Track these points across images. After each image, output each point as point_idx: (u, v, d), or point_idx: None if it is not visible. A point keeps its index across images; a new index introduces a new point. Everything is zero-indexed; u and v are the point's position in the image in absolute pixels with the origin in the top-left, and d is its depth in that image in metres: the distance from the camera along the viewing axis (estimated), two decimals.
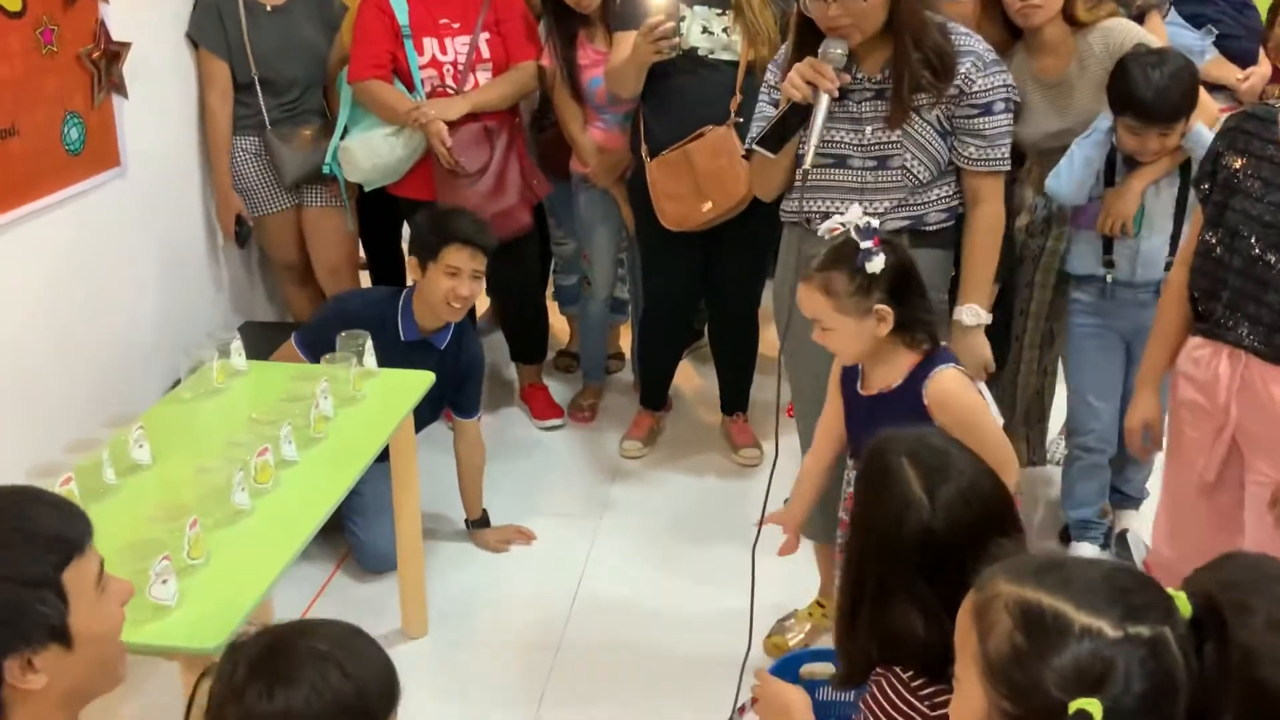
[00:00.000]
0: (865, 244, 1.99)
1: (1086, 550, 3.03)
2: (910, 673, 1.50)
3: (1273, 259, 2.02)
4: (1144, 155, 2.73)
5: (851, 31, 2.30)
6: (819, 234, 2.11)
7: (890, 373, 2.10)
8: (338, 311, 3.08)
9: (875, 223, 2.04)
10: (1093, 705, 0.99)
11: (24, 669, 1.22)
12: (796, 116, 2.35)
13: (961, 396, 2.05)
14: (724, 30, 3.20)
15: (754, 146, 2.43)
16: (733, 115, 3.19)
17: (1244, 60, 4.35)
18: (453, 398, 3.12)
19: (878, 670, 1.53)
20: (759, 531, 2.29)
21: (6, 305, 2.63)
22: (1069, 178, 2.78)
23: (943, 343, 2.17)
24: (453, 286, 2.92)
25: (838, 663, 1.65)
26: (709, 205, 3.23)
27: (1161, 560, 2.41)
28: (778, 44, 3.14)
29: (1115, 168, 2.79)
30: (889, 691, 1.51)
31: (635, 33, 3.14)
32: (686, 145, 3.23)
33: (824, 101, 2.30)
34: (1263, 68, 4.15)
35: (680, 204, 3.27)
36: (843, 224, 2.03)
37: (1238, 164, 2.08)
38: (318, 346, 2.87)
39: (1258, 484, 2.14)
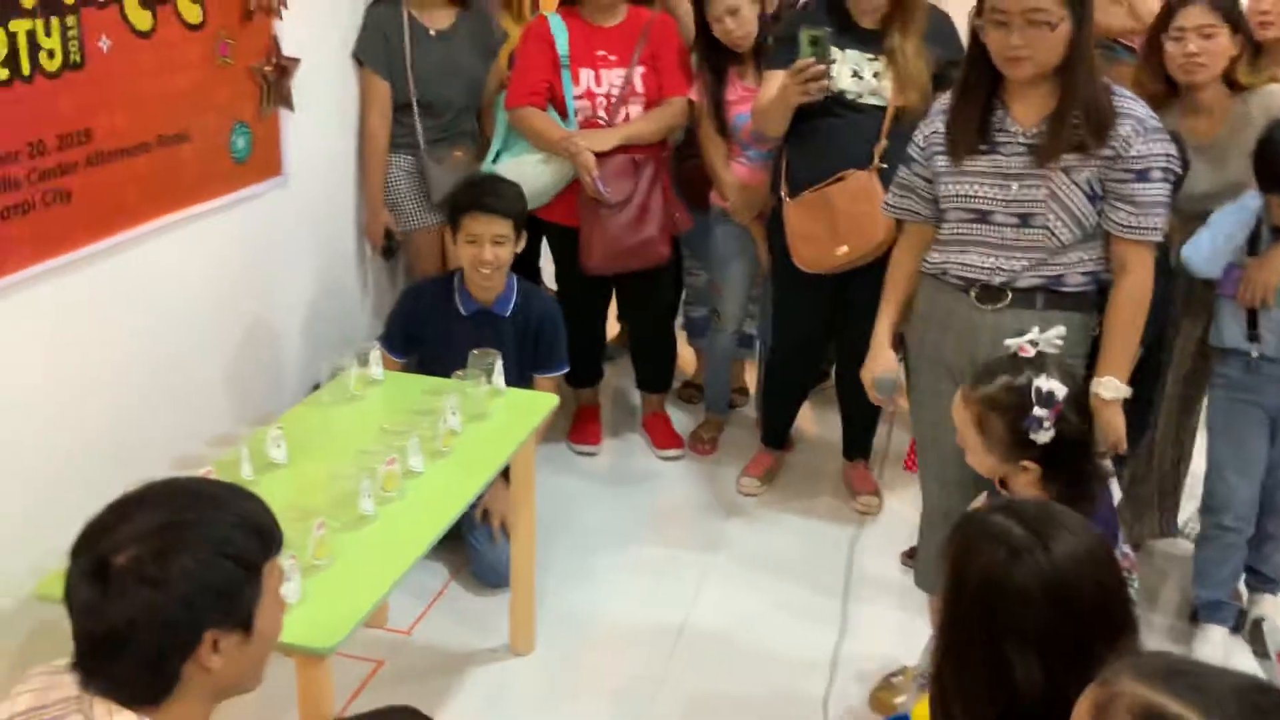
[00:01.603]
0: (1039, 412, 1.92)
1: (1215, 633, 2.90)
2: None
3: None
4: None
5: (1025, 65, 2.27)
6: (1007, 345, 2.05)
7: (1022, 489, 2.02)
8: (404, 301, 3.25)
9: (1062, 392, 1.94)
10: None
11: (212, 648, 1.30)
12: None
13: None
14: (874, 75, 3.19)
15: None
16: (876, 160, 3.18)
17: None
18: (533, 356, 3.17)
19: None
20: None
21: (167, 300, 2.77)
22: (1208, 249, 2.70)
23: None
24: (475, 254, 3.01)
25: None
26: (845, 249, 3.21)
27: None
28: (928, 91, 3.11)
29: (1260, 236, 2.69)
30: None
31: (784, 72, 3.16)
32: (827, 188, 3.22)
33: None
34: None
35: (816, 246, 3.27)
36: (1034, 343, 1.95)
37: None
38: (399, 342, 3.04)
39: None
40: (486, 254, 3.04)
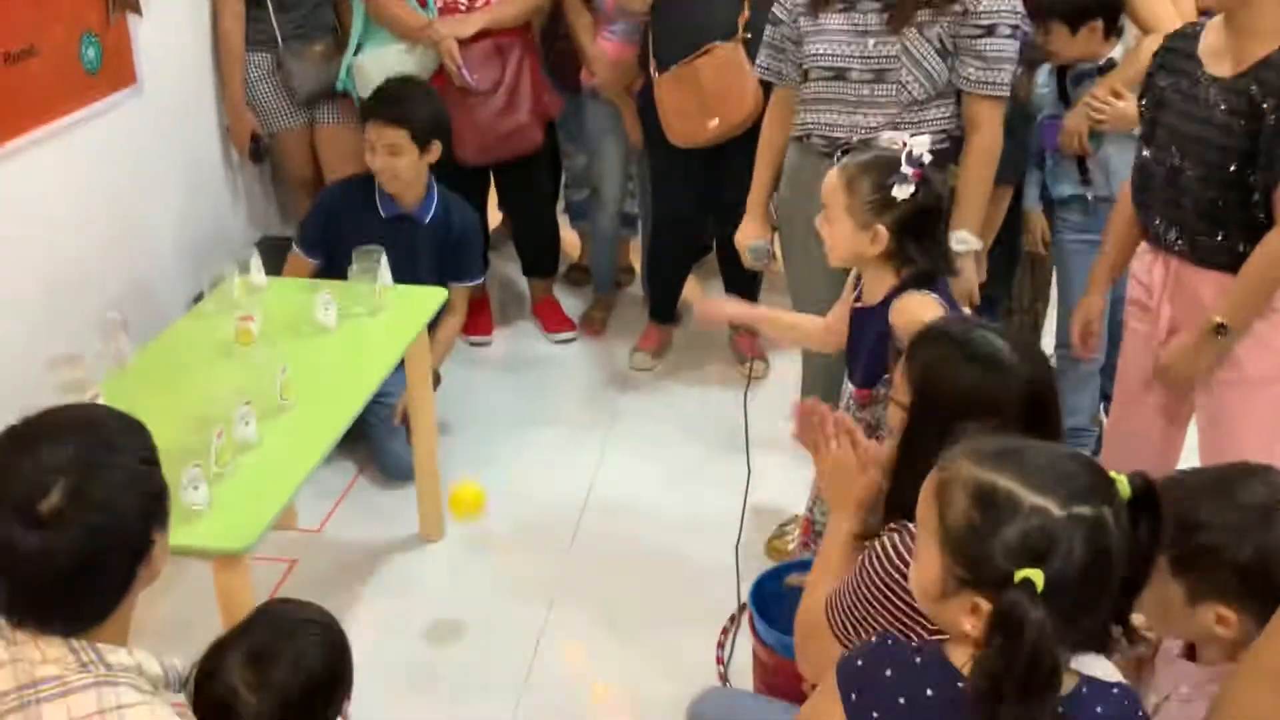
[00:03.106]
0: (906, 169, 2.02)
1: None
2: None
3: (1187, 168, 2.11)
4: (1059, 58, 2.81)
5: None
6: (882, 142, 2.14)
7: (874, 290, 2.15)
8: (323, 200, 3.22)
9: (929, 157, 2.04)
10: (1035, 575, 1.13)
11: (159, 549, 1.35)
12: None
13: (918, 314, 2.03)
14: None
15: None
16: (741, 31, 3.20)
17: None
18: (452, 265, 3.20)
19: (892, 525, 1.56)
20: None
21: (31, 224, 2.71)
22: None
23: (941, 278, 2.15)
24: (369, 160, 3.04)
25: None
26: (715, 121, 3.26)
27: (1113, 450, 2.52)
28: None
29: (1064, 82, 2.86)
30: (894, 549, 1.51)
31: None
32: (694, 61, 3.25)
33: None
34: None
35: (687, 121, 3.31)
36: (905, 142, 2.05)
37: (1165, 81, 2.17)
38: (315, 242, 3.02)
39: (1202, 378, 2.25)
40: (375, 161, 3.03)
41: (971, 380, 1.56)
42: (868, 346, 2.14)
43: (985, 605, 1.16)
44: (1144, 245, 2.33)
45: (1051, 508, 1.16)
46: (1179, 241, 2.19)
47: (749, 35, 3.17)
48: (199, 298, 2.85)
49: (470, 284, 3.29)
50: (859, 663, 1.27)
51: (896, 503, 1.58)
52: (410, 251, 3.07)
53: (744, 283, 3.72)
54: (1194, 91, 2.10)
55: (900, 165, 2.02)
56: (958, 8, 2.37)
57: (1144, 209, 2.27)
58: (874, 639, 1.30)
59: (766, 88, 3.01)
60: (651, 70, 3.37)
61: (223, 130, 3.54)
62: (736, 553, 2.66)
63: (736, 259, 3.67)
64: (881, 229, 2.05)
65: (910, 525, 1.43)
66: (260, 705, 1.47)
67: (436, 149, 3.09)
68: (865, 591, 1.52)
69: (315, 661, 1.53)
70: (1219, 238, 2.10)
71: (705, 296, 3.91)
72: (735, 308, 2.60)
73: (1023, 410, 1.52)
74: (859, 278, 2.24)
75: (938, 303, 2.06)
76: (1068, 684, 1.20)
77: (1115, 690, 1.24)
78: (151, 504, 1.34)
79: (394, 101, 3.05)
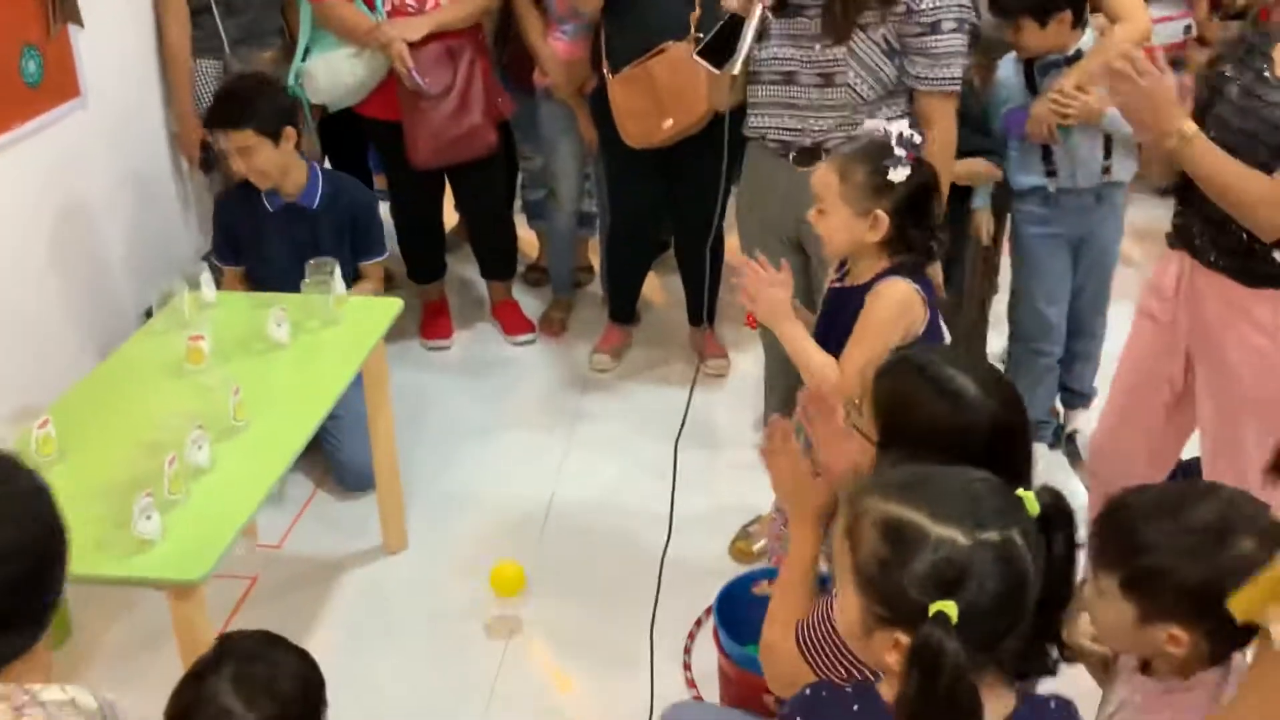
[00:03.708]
0: (900, 151, 2.01)
1: (1036, 450, 3.15)
2: None
3: None
4: (1029, 52, 2.81)
5: None
6: (864, 130, 2.13)
7: (863, 272, 2.13)
8: (218, 212, 3.22)
9: (919, 138, 2.05)
10: (949, 606, 1.13)
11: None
12: (734, 28, 2.37)
13: (889, 299, 2.04)
14: None
15: (696, 58, 2.44)
16: (693, 30, 3.18)
17: None
18: (352, 244, 3.17)
19: None
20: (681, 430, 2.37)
21: None
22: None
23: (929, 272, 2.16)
24: (234, 165, 3.03)
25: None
26: (670, 122, 3.25)
27: (1102, 452, 2.52)
28: None
29: (1032, 72, 2.86)
30: None
31: None
32: (647, 62, 3.24)
33: (756, 12, 2.33)
34: None
35: (642, 121, 3.30)
36: (885, 129, 2.04)
37: (1230, 71, 2.13)
38: (225, 254, 3.03)
39: (1205, 391, 2.25)
40: (238, 165, 3.01)
41: (938, 415, 1.55)
42: (843, 326, 2.13)
43: (905, 640, 1.16)
44: (1166, 252, 2.30)
45: (958, 537, 1.16)
46: (1203, 237, 2.16)
47: (701, 35, 3.15)
48: (150, 312, 2.82)
49: (378, 260, 3.25)
50: (796, 718, 1.27)
51: None
52: (311, 238, 3.06)
53: (701, 278, 3.72)
54: (1256, 88, 2.06)
55: (892, 149, 2.02)
56: (900, 8, 2.37)
57: (1179, 196, 2.23)
58: (808, 689, 1.29)
59: None
60: (605, 71, 3.35)
61: (171, 140, 3.48)
62: (661, 566, 2.60)
63: (695, 258, 3.69)
64: (881, 214, 2.04)
65: None
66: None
67: (291, 134, 3.03)
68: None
69: (301, 669, 1.54)
70: (1244, 236, 2.08)
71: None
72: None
73: (988, 445, 1.51)
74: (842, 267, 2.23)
75: (918, 294, 2.06)
76: (1009, 706, 1.21)
77: (1053, 705, 1.25)
78: (60, 534, 1.29)
79: (229, 104, 3.00)
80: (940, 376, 1.58)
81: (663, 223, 3.79)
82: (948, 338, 2.20)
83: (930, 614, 1.13)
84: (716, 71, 2.42)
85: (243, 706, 1.46)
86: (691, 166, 3.42)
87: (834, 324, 2.18)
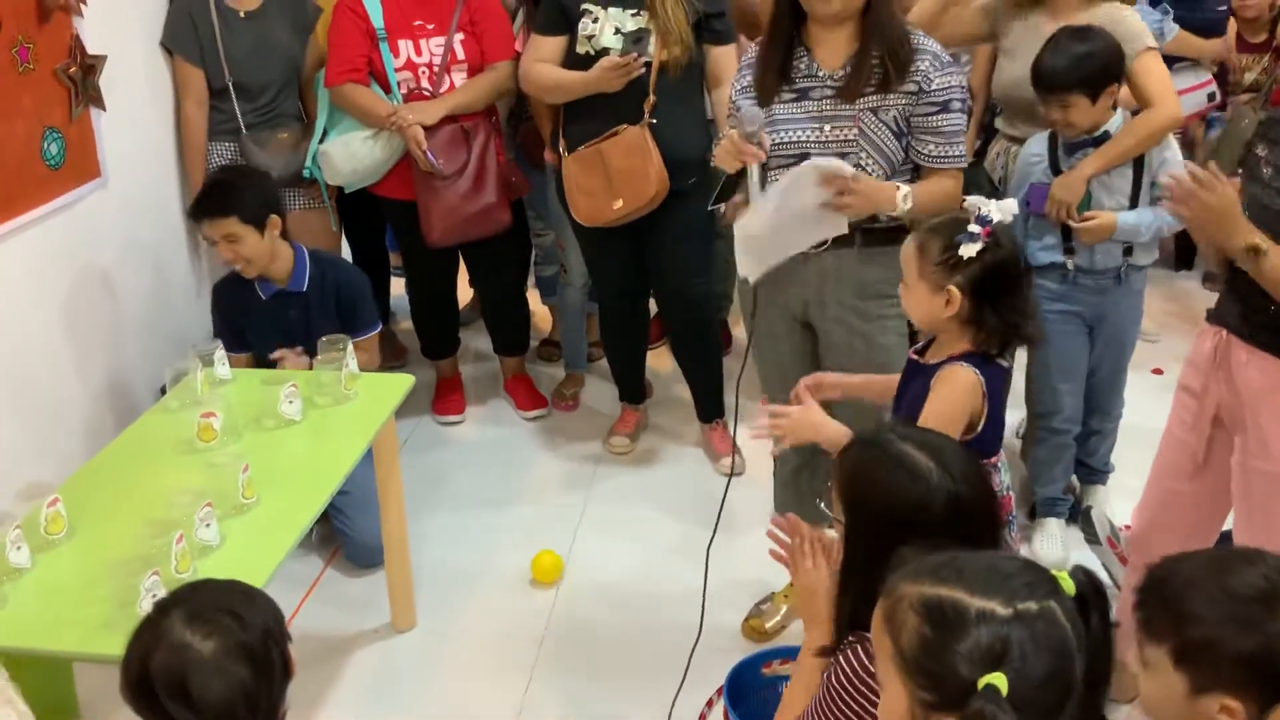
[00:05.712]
0: (974, 227, 2.00)
1: (1053, 525, 3.13)
2: None
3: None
4: (1073, 129, 2.81)
5: (834, 2, 2.36)
6: (964, 204, 2.11)
7: (941, 350, 2.11)
8: (214, 301, 3.24)
9: (1000, 217, 2.01)
10: (998, 679, 1.11)
11: None
12: (735, 179, 2.47)
13: (950, 387, 2.01)
14: (636, 30, 3.21)
15: (711, 207, 2.60)
16: (646, 116, 3.23)
17: (1208, 32, 4.43)
18: (350, 321, 3.17)
19: (850, 638, 1.56)
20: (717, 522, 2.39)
21: None
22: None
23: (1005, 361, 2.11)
24: (221, 253, 3.06)
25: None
26: (620, 203, 3.28)
27: (1142, 536, 2.47)
28: (691, 44, 3.21)
29: (1056, 149, 2.87)
30: (854, 661, 1.53)
31: (554, 38, 3.26)
32: (601, 143, 3.28)
33: (754, 167, 2.39)
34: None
35: (592, 199, 3.33)
36: (979, 205, 2.03)
37: (1263, 151, 2.14)
38: (228, 340, 3.00)
39: (1238, 463, 2.22)
40: (224, 253, 3.03)
41: (893, 491, 1.56)
42: (911, 398, 2.11)
43: None
44: (1203, 327, 2.28)
45: (997, 608, 1.15)
46: (1235, 312, 2.16)
47: (654, 120, 3.22)
48: (164, 390, 2.83)
49: (369, 335, 3.23)
50: None
51: (849, 619, 1.58)
52: (304, 321, 3.08)
53: (705, 379, 3.68)
54: None
55: (967, 224, 2.01)
56: (910, 88, 2.41)
57: (1221, 277, 2.23)
58: None
59: (671, 169, 3.17)
60: (561, 149, 3.39)
61: (188, 220, 3.53)
62: (690, 659, 2.58)
63: (692, 354, 3.64)
64: (955, 290, 2.01)
65: (867, 635, 1.42)
66: (217, 649, 1.45)
67: (276, 222, 3.04)
68: (835, 709, 1.51)
69: (255, 600, 1.55)
70: (1272, 309, 2.07)
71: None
72: (834, 378, 2.45)
73: (945, 522, 1.51)
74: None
75: (978, 384, 2.01)
76: None
77: None
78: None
79: (214, 195, 3.04)
80: (897, 453, 1.59)
81: (647, 294, 3.72)
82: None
83: (979, 687, 1.11)
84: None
85: (201, 639, 1.45)
86: (659, 243, 3.41)
87: (904, 393, 2.18)
